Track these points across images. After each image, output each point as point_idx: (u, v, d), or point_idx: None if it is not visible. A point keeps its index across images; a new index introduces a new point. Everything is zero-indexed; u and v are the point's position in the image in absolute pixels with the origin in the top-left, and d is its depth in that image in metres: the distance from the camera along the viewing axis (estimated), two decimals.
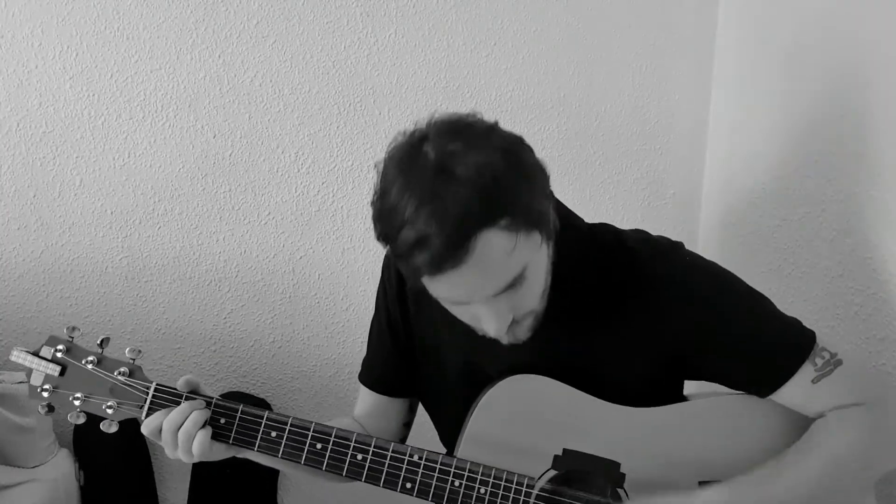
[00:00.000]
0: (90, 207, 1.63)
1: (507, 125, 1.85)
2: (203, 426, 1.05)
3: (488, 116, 1.73)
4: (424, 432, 1.30)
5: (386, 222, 0.93)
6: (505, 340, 1.03)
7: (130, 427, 1.09)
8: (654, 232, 1.14)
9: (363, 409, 1.27)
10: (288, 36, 1.65)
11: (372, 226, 0.96)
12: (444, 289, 0.95)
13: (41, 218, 1.62)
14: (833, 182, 1.41)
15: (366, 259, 1.75)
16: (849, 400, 1.04)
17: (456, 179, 0.88)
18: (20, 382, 1.50)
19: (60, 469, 1.57)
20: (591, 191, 1.81)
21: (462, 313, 1.00)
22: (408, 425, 1.29)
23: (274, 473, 1.78)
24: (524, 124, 1.76)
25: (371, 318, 1.29)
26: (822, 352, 1.04)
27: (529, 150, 0.98)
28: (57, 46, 1.57)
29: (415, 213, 0.89)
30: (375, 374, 1.26)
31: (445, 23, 1.70)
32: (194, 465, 1.72)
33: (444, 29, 1.70)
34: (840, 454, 1.02)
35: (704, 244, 1.83)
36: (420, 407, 1.30)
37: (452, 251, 0.88)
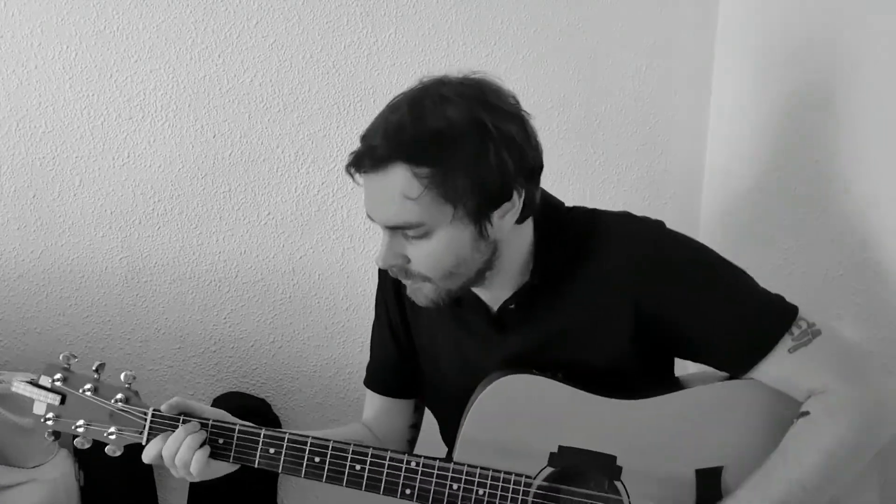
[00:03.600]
0: (90, 207, 1.63)
1: None
2: (201, 447, 1.06)
3: None
4: (426, 435, 1.30)
5: None
6: (408, 292, 1.08)
7: None
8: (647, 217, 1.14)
9: (370, 412, 1.28)
10: (288, 36, 1.65)
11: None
12: (364, 192, 1.03)
13: (41, 218, 1.62)
14: (833, 182, 1.41)
15: (366, 259, 1.75)
16: (828, 375, 1.01)
17: (419, 109, 0.97)
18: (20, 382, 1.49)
19: (60, 469, 1.57)
20: (591, 191, 1.81)
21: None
22: (415, 426, 1.30)
23: (274, 474, 1.77)
24: None
25: (372, 322, 1.29)
26: (800, 321, 1.03)
27: (510, 146, 1.00)
28: (57, 46, 1.57)
29: (385, 113, 1.00)
30: (379, 377, 1.27)
31: (445, 23, 1.70)
32: None
33: (444, 29, 1.70)
34: (831, 451, 1.00)
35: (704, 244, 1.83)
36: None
37: (370, 158, 0.98)
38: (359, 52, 1.68)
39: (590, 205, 1.77)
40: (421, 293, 1.06)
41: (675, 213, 1.86)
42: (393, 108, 1.00)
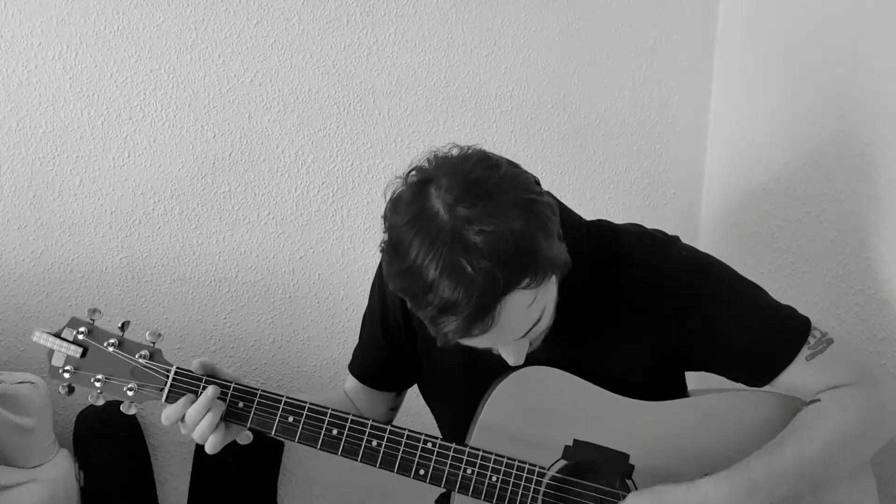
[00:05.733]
0: (90, 207, 1.63)
1: (507, 125, 1.86)
2: (217, 426, 1.06)
3: (488, 116, 1.73)
4: (425, 428, 1.30)
5: (407, 281, 0.93)
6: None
7: (131, 428, 1.09)
8: (662, 230, 1.15)
9: (352, 392, 1.29)
10: (288, 36, 1.65)
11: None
12: (470, 342, 0.97)
13: (41, 218, 1.62)
14: (833, 182, 1.41)
15: (366, 259, 1.75)
16: (842, 378, 1.05)
17: (477, 251, 0.89)
18: (20, 382, 1.50)
19: (60, 469, 1.57)
20: (591, 191, 1.81)
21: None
22: (395, 409, 1.31)
23: (274, 473, 1.78)
24: (524, 124, 1.76)
25: (365, 309, 1.29)
26: (814, 331, 1.07)
27: (539, 191, 0.97)
28: (57, 46, 1.57)
29: (438, 280, 0.90)
30: (366, 368, 1.28)
31: (445, 23, 1.70)
32: (194, 465, 1.73)
33: (444, 29, 1.70)
34: (837, 432, 1.03)
35: (705, 244, 1.83)
36: (420, 401, 1.30)
37: (480, 320, 0.91)
38: (359, 52, 1.68)
39: (590, 205, 1.79)
40: (536, 343, 1.05)
41: (675, 213, 1.86)
42: (445, 269, 0.89)
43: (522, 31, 1.73)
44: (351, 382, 1.30)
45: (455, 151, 0.96)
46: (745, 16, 1.70)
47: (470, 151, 0.96)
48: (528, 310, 0.95)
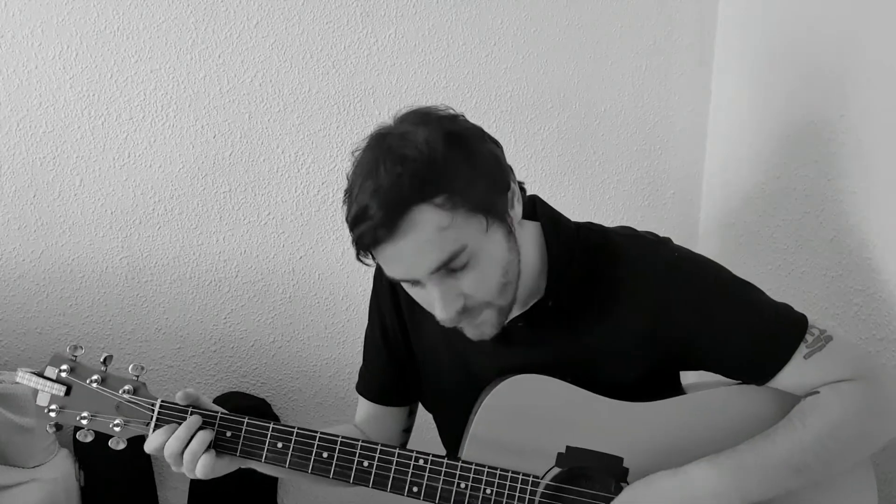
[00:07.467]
0: (90, 207, 1.63)
1: (507, 125, 1.86)
2: (208, 447, 1.05)
3: (488, 116, 1.74)
4: (423, 434, 1.30)
5: (345, 197, 1.00)
6: (471, 335, 1.04)
7: None
8: (654, 232, 1.14)
9: (362, 417, 1.28)
10: (288, 36, 1.65)
11: None
12: (387, 264, 0.99)
13: (41, 218, 1.62)
14: (833, 182, 1.41)
15: None
16: (841, 375, 1.04)
17: (395, 156, 0.94)
18: (20, 382, 1.49)
19: (60, 469, 1.57)
20: (591, 191, 1.81)
21: (419, 296, 1.03)
22: (408, 430, 1.30)
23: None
24: (524, 124, 1.76)
25: (366, 328, 1.29)
26: (812, 328, 1.06)
27: (485, 140, 1.02)
28: (57, 46, 1.57)
29: (360, 188, 0.96)
30: (372, 385, 1.27)
31: (445, 23, 1.70)
32: None
33: (444, 29, 1.70)
34: (834, 424, 1.02)
35: (704, 244, 1.83)
36: (420, 409, 1.30)
37: (386, 224, 0.94)
38: (359, 52, 1.68)
39: (590, 205, 1.80)
40: (487, 324, 1.03)
41: (674, 213, 1.86)
42: (366, 175, 0.95)
43: (522, 31, 1.73)
44: (361, 409, 1.29)
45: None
46: (745, 16, 1.71)
47: (442, 106, 1.04)
48: (442, 234, 0.94)
